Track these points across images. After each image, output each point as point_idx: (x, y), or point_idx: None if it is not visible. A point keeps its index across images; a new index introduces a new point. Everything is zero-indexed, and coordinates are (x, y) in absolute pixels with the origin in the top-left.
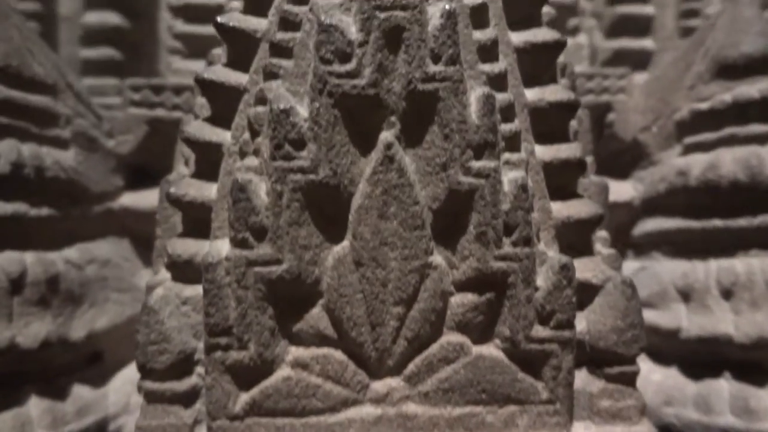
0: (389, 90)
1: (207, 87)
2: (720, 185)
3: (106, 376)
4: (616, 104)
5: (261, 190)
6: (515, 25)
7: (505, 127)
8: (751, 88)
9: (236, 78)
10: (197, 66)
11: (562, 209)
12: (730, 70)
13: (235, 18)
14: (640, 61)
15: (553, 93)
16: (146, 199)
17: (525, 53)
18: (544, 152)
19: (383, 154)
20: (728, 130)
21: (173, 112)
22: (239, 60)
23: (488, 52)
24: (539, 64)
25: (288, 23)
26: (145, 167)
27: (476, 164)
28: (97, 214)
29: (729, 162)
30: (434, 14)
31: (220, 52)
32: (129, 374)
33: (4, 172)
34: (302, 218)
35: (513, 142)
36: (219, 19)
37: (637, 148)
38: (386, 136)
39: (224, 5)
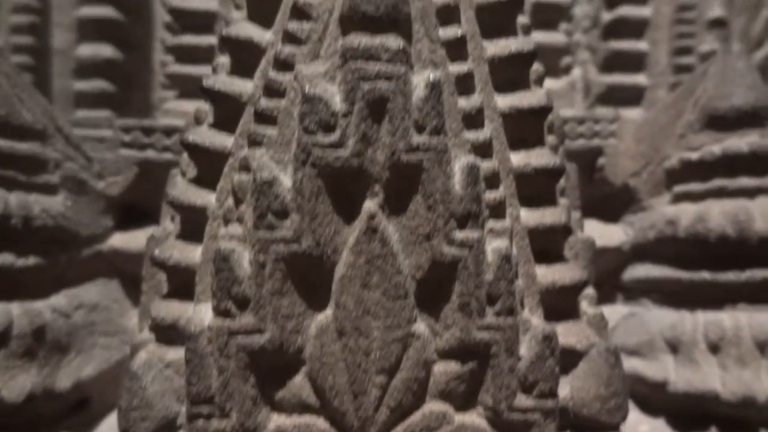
0: (373, 160)
1: (192, 149)
2: (708, 238)
3: (93, 422)
4: (606, 148)
5: (244, 259)
6: (501, 88)
7: (490, 195)
8: (740, 142)
9: (221, 141)
10: (189, 106)
11: (546, 274)
12: (720, 122)
13: (221, 81)
14: (633, 96)
15: (539, 158)
16: (136, 239)
17: (511, 118)
18: (530, 217)
19: (366, 224)
20: (717, 182)
21: (163, 154)
22: (225, 122)
23: (473, 119)
24: (526, 128)
25: (272, 91)
26: (134, 206)
27: (460, 235)
28: (85, 257)
29: (718, 215)
30: (419, 84)
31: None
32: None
33: None
34: (285, 288)
35: (497, 210)
36: (205, 82)
37: (627, 193)
38: (369, 206)
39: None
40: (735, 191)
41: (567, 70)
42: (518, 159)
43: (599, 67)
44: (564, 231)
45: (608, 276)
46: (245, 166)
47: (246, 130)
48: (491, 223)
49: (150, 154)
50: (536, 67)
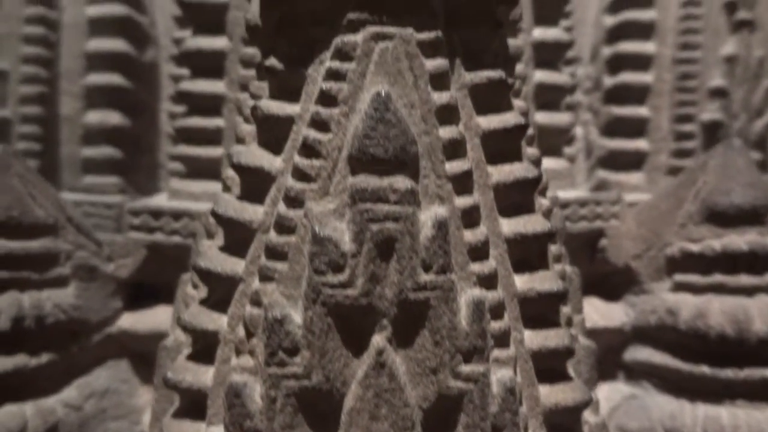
0: (381, 296)
1: (203, 274)
2: (708, 335)
3: None
4: (608, 230)
5: (255, 393)
6: (506, 212)
7: (495, 325)
8: (740, 239)
9: (232, 266)
10: (196, 186)
11: (550, 395)
12: (720, 217)
13: (232, 208)
14: (634, 161)
15: (543, 281)
16: (145, 319)
17: (516, 243)
18: (533, 339)
19: (375, 359)
20: (717, 278)
21: (172, 237)
22: (235, 246)
23: (479, 251)
24: (530, 252)
25: (283, 227)
26: (142, 284)
27: (465, 369)
28: (95, 342)
29: (717, 313)
30: (426, 223)
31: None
32: None
33: (4, 328)
34: (295, 421)
35: (502, 339)
36: (215, 207)
37: (629, 274)
38: (378, 340)
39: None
40: (734, 289)
41: (572, 160)
42: (522, 282)
43: (601, 130)
44: (567, 353)
45: (609, 353)
46: (256, 302)
47: (256, 258)
48: (496, 353)
49: (158, 237)
50: (544, 201)
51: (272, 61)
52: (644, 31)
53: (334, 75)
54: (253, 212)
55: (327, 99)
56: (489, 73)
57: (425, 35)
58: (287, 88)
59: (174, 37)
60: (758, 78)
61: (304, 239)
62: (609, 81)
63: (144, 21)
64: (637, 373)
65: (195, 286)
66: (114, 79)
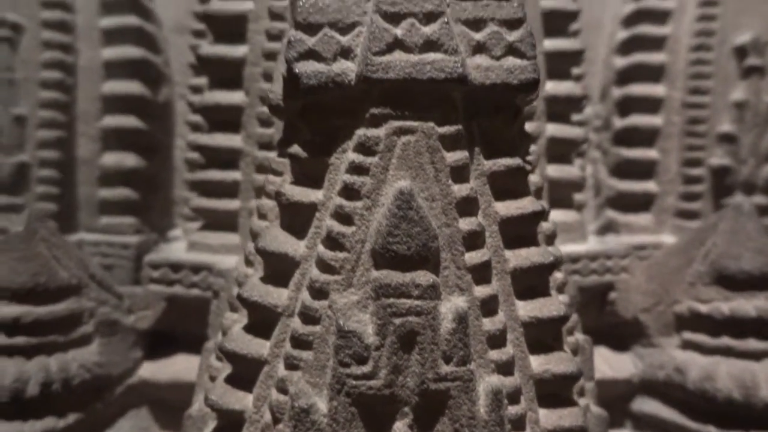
0: (403, 385)
1: (230, 355)
2: (716, 397)
3: None
4: (618, 283)
5: None
6: (522, 295)
7: (512, 410)
8: (748, 305)
9: (257, 348)
10: (214, 238)
11: None
12: (729, 281)
13: (257, 292)
14: (643, 202)
15: (559, 363)
16: (165, 369)
17: (532, 327)
18: (548, 418)
19: None
20: (725, 341)
21: (191, 290)
22: (260, 328)
23: (497, 339)
24: (545, 334)
25: (308, 318)
26: (162, 333)
27: None
28: (118, 395)
29: (725, 376)
30: (446, 316)
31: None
32: None
33: (33, 394)
34: None
35: (518, 422)
36: (241, 291)
37: (637, 326)
38: (399, 427)
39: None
40: (742, 353)
41: (579, 208)
42: (538, 364)
43: (610, 171)
44: (580, 430)
45: (617, 402)
46: (282, 388)
47: (281, 342)
48: None
49: (178, 289)
50: (556, 275)
51: (296, 149)
52: (654, 74)
53: (357, 169)
54: (277, 296)
55: (350, 192)
56: (507, 161)
57: (446, 129)
58: (310, 175)
59: (190, 84)
60: (767, 124)
61: (328, 330)
62: (619, 122)
63: (158, 61)
64: (645, 423)
65: (219, 359)
66: (129, 121)
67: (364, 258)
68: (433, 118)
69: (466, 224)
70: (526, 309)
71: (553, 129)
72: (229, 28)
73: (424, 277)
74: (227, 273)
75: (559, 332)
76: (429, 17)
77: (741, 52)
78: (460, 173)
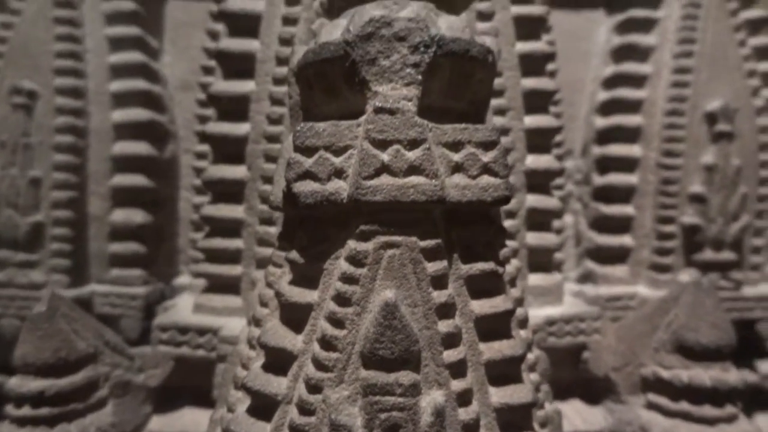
0: None
1: None
2: None
3: None
4: (591, 344)
5: None
6: (495, 382)
7: None
8: (704, 375)
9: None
10: (218, 301)
11: None
12: (688, 351)
13: (258, 381)
14: (619, 255)
15: None
16: (173, 422)
17: (503, 412)
18: None
19: None
20: (684, 406)
21: (196, 351)
22: (261, 413)
23: (470, 427)
24: (516, 418)
25: (305, 410)
26: (170, 389)
27: None
28: None
29: None
30: (426, 410)
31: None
32: None
33: None
34: None
35: None
36: (244, 380)
37: (608, 383)
38: None
39: (242, 249)
40: (699, 418)
41: (558, 266)
42: None
43: (589, 224)
44: None
45: None
46: None
47: (281, 426)
48: None
49: (184, 350)
50: (528, 357)
51: (294, 255)
52: (631, 135)
53: (348, 279)
54: (277, 385)
55: (342, 300)
56: (482, 265)
57: (427, 243)
58: (307, 277)
59: (196, 150)
60: (735, 185)
61: (322, 421)
62: (598, 180)
63: (164, 120)
64: None
65: None
66: (138, 180)
67: (354, 358)
68: (416, 233)
69: (444, 326)
70: (499, 396)
71: (533, 200)
72: (232, 107)
73: (406, 377)
74: (231, 339)
75: (529, 414)
76: (413, 144)
77: (711, 118)
78: (439, 281)
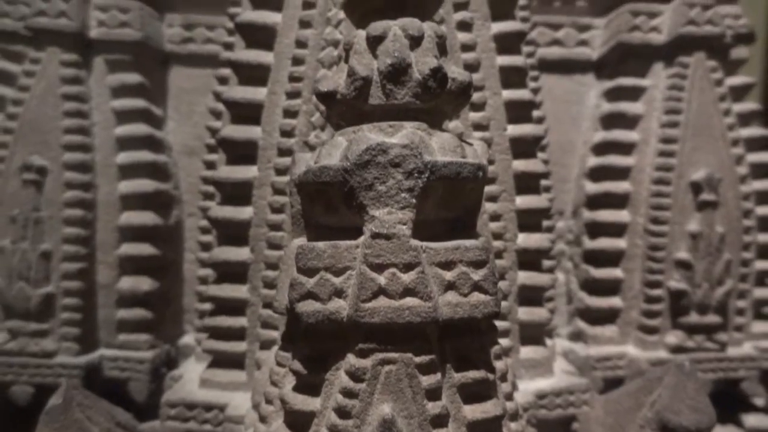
0: None
1: None
2: None
3: None
4: (579, 415)
5: None
6: None
7: None
8: None
9: None
10: (223, 376)
11: None
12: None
13: None
14: (609, 316)
15: None
16: None
17: None
18: None
19: None
20: None
21: (203, 426)
22: None
23: None
24: None
25: None
26: None
27: None
28: None
29: None
30: None
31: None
32: None
33: None
34: None
35: None
36: None
37: None
38: None
39: (246, 327)
40: None
41: (550, 333)
42: None
43: (580, 285)
44: None
45: None
46: None
47: None
48: None
49: (192, 425)
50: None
51: (297, 365)
52: (620, 201)
53: (348, 393)
54: None
55: (342, 413)
56: (474, 374)
57: (421, 359)
58: (309, 385)
59: (199, 205)
60: (719, 252)
61: None
62: (588, 243)
63: (169, 187)
64: None
65: None
66: (144, 248)
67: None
68: (411, 349)
69: None
70: None
71: (524, 277)
72: (236, 192)
73: None
74: (236, 419)
75: None
76: (408, 267)
77: (696, 187)
78: (433, 393)
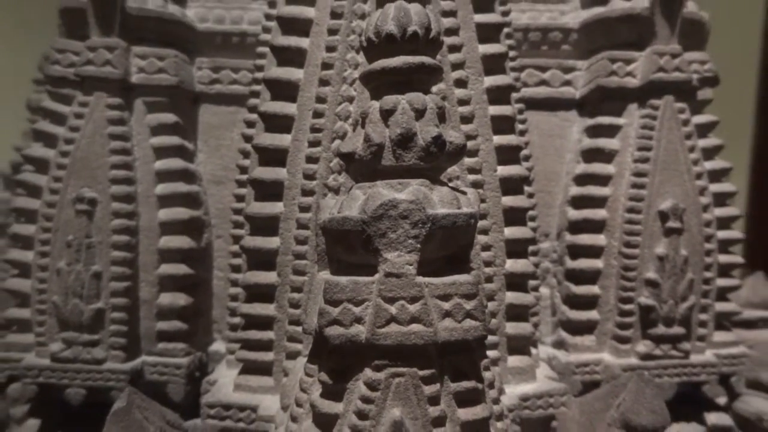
0: None
1: None
2: None
3: None
4: (558, 415)
5: None
6: None
7: None
8: None
9: None
10: (254, 381)
11: None
12: (631, 430)
13: None
14: (588, 327)
15: None
16: None
17: None
18: None
19: None
20: None
21: (238, 423)
22: None
23: None
24: None
25: None
26: None
27: None
28: None
29: None
30: None
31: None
32: None
33: None
34: None
35: None
36: None
37: None
38: None
39: (273, 339)
40: None
41: (534, 343)
42: None
43: (563, 299)
44: None
45: None
46: None
47: None
48: None
49: (228, 423)
50: None
51: (324, 377)
52: (598, 226)
53: (365, 400)
54: None
55: (361, 415)
56: (466, 384)
57: (424, 372)
58: (333, 392)
59: (231, 233)
60: (683, 272)
61: None
62: (570, 263)
63: (200, 213)
64: None
65: None
66: (180, 268)
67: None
68: (416, 365)
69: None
70: None
71: (512, 297)
72: (265, 224)
73: None
74: (267, 418)
75: None
76: (413, 300)
77: (663, 215)
78: (434, 400)
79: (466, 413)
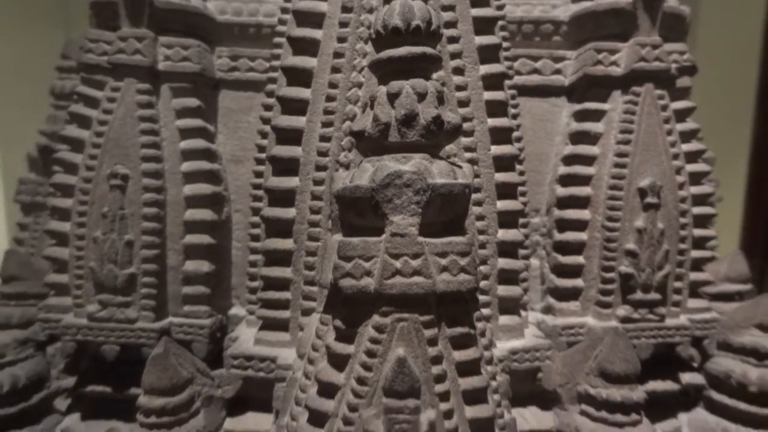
0: None
1: None
2: None
3: None
4: (543, 367)
5: None
6: (469, 402)
7: None
8: (616, 393)
9: None
10: (272, 336)
11: None
12: (607, 377)
13: (315, 402)
14: (572, 294)
15: None
16: (240, 423)
17: (473, 422)
18: None
19: None
20: (603, 414)
21: (258, 373)
22: (317, 423)
23: None
24: (482, 427)
25: (347, 422)
26: (238, 398)
27: None
28: None
29: None
30: (423, 424)
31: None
32: None
33: None
34: None
35: None
36: (308, 402)
37: (555, 395)
38: None
39: (290, 299)
40: (613, 423)
41: (524, 306)
42: None
43: (551, 269)
44: None
45: None
46: None
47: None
48: None
49: (250, 372)
50: (493, 384)
51: (338, 323)
52: (583, 202)
53: (374, 341)
54: (328, 406)
55: (370, 354)
56: (460, 329)
57: (425, 318)
58: (346, 336)
59: (251, 206)
60: (660, 244)
61: (359, 428)
62: (558, 236)
63: (221, 189)
64: None
65: None
66: (204, 238)
67: (378, 391)
68: (418, 311)
69: (436, 370)
70: (471, 412)
71: (503, 263)
72: (282, 196)
73: (411, 402)
74: (285, 366)
75: (491, 423)
76: (415, 256)
77: (642, 192)
78: (432, 341)
79: (460, 354)
